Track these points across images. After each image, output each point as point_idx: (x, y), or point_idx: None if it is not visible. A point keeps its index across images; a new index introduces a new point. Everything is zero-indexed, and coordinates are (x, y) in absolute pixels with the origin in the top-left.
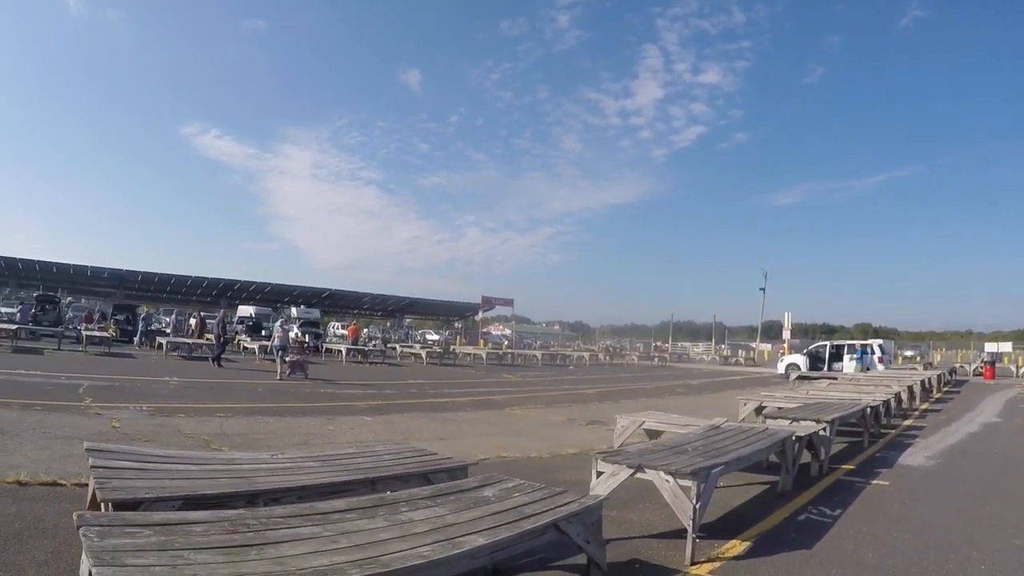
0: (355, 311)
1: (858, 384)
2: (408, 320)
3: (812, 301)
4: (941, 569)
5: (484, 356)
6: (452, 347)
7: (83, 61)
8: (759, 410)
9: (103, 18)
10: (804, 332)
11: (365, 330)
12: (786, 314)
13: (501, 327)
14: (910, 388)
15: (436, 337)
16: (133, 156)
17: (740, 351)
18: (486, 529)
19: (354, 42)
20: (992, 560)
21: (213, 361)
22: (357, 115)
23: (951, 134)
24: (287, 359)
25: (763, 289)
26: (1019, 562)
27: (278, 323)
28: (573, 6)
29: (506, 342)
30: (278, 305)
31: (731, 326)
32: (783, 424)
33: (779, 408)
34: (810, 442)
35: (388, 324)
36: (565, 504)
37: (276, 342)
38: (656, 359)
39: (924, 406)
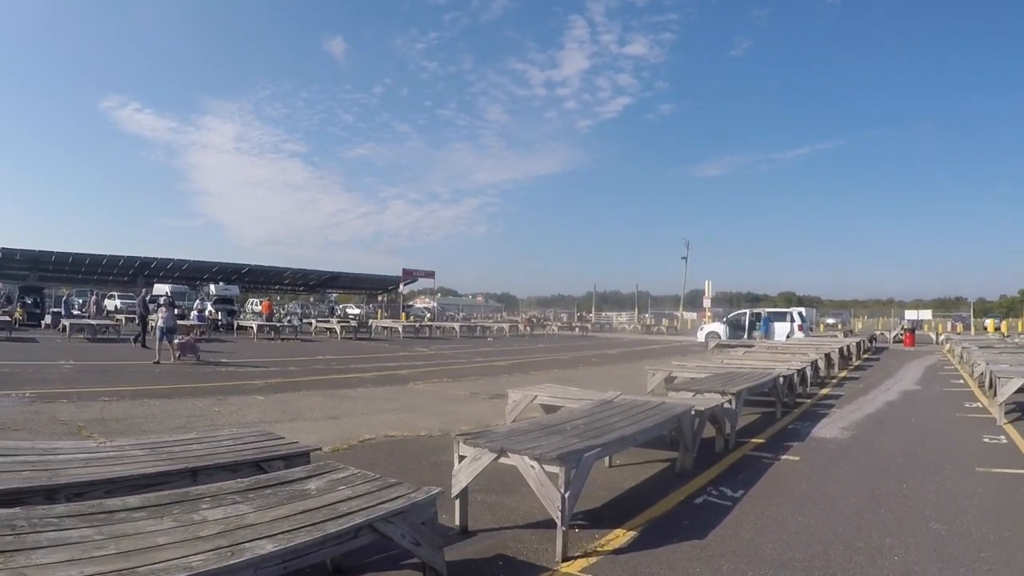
0: (276, 287)
1: (774, 352)
2: (334, 295)
3: (737, 271)
4: (849, 562)
5: (401, 329)
6: (371, 321)
7: None
8: (669, 380)
9: None
10: (729, 301)
11: (287, 306)
12: (707, 282)
13: (426, 300)
14: (827, 356)
15: (357, 311)
16: (49, 133)
17: (663, 320)
18: (284, 532)
19: (276, 8)
20: (907, 549)
21: (135, 342)
22: (280, 86)
23: (874, 108)
24: (176, 341)
25: (685, 258)
26: (938, 551)
27: (160, 303)
28: None
29: (428, 315)
30: (197, 283)
31: (657, 295)
32: (685, 397)
33: (691, 379)
34: (714, 416)
35: (312, 299)
36: (389, 500)
37: (160, 323)
38: (578, 329)
39: (843, 374)
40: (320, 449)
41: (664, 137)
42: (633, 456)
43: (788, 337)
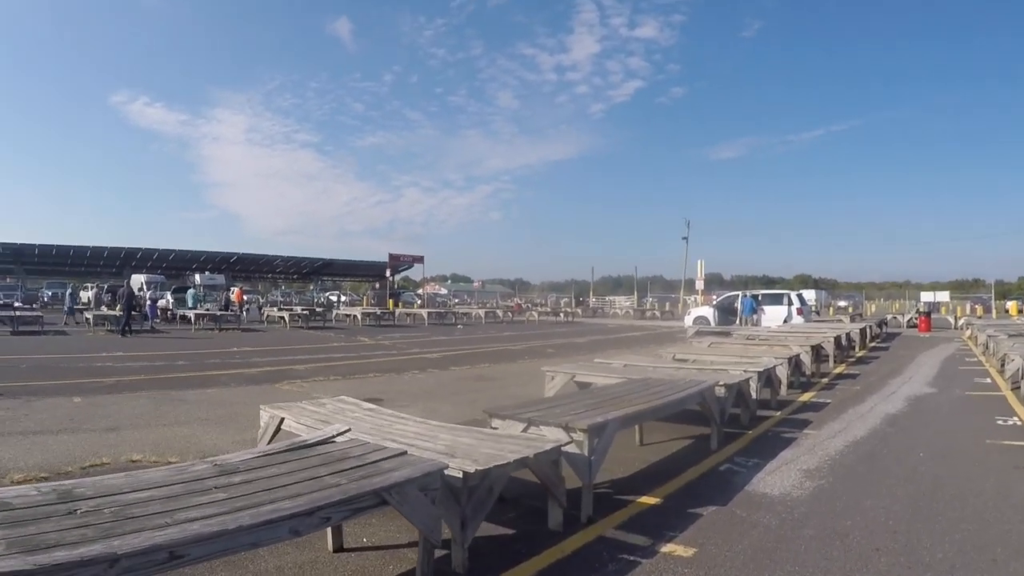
0: (268, 275)
1: (748, 344)
2: (332, 283)
3: (753, 254)
4: None
5: (360, 317)
6: (334, 310)
7: None
8: (584, 386)
9: None
10: (744, 284)
11: (269, 294)
12: (699, 262)
13: (436, 286)
14: (816, 348)
15: (344, 298)
16: (64, 128)
17: (666, 304)
18: None
19: None
20: None
21: (121, 332)
22: (289, 76)
23: (889, 89)
24: None
25: (686, 238)
26: None
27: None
28: None
29: (418, 301)
30: (186, 272)
31: (671, 279)
32: (513, 432)
33: (600, 385)
34: (545, 468)
35: (311, 288)
36: None
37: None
38: (561, 315)
39: (839, 369)
40: None
41: (677, 120)
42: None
43: (785, 322)
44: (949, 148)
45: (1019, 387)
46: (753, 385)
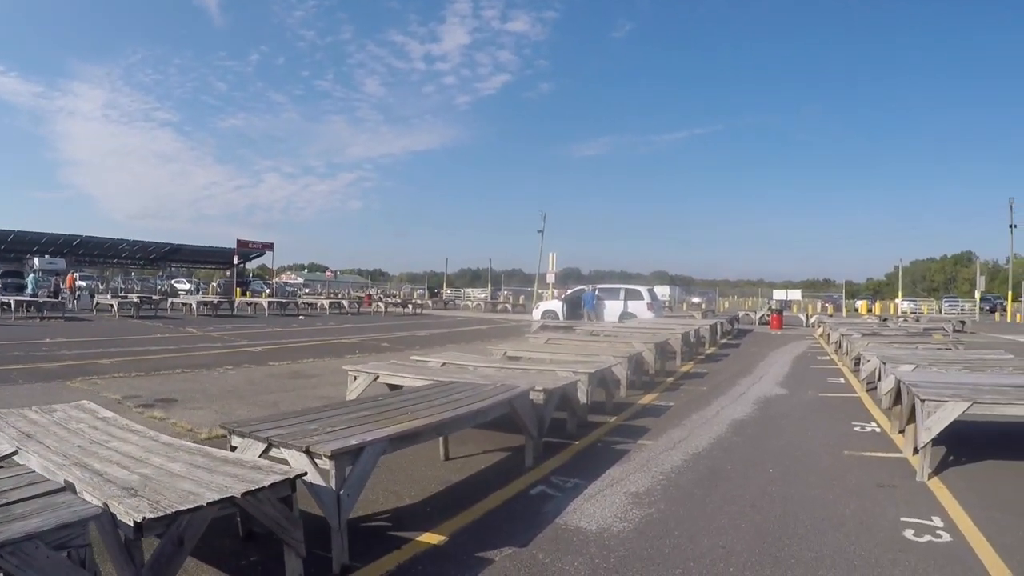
0: (114, 260)
1: (588, 341)
2: (186, 270)
3: (614, 251)
4: None
5: (195, 306)
6: (169, 298)
7: None
8: (395, 388)
9: None
10: (602, 278)
11: (113, 280)
12: (551, 255)
13: (292, 275)
14: (663, 345)
15: (188, 287)
16: None
17: (519, 297)
18: None
19: None
20: None
21: None
22: (152, 50)
23: (751, 97)
24: None
25: (541, 231)
26: None
27: None
28: None
29: (267, 290)
30: (26, 256)
31: (529, 273)
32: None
33: (406, 388)
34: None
35: (161, 274)
36: None
37: None
38: (410, 307)
39: (686, 368)
40: None
41: (543, 116)
42: None
43: (624, 317)
44: (806, 155)
45: (875, 388)
46: (582, 388)
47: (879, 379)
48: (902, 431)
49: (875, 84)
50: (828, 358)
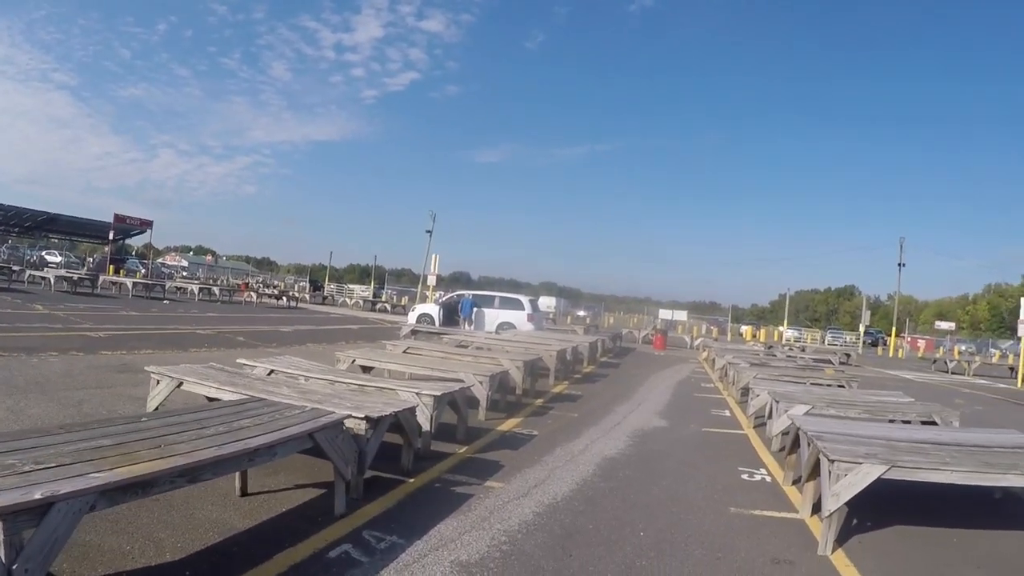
0: None
1: (451, 355)
2: (69, 242)
3: (507, 259)
4: None
5: (52, 281)
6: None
7: None
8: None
9: None
10: (491, 284)
11: None
12: (434, 256)
13: (177, 257)
14: (533, 362)
15: (59, 259)
16: None
17: (397, 297)
18: None
19: None
20: None
21: None
22: (56, 7)
23: (655, 120)
24: None
25: (430, 232)
26: None
27: None
28: None
29: (142, 271)
30: None
31: (419, 274)
32: None
33: (210, 399)
34: None
35: (35, 244)
36: None
37: None
38: (284, 299)
39: (559, 388)
40: None
41: (447, 118)
42: None
43: (513, 328)
44: (701, 180)
45: (763, 425)
46: (425, 414)
47: (769, 416)
48: (796, 482)
49: (774, 117)
50: (712, 385)
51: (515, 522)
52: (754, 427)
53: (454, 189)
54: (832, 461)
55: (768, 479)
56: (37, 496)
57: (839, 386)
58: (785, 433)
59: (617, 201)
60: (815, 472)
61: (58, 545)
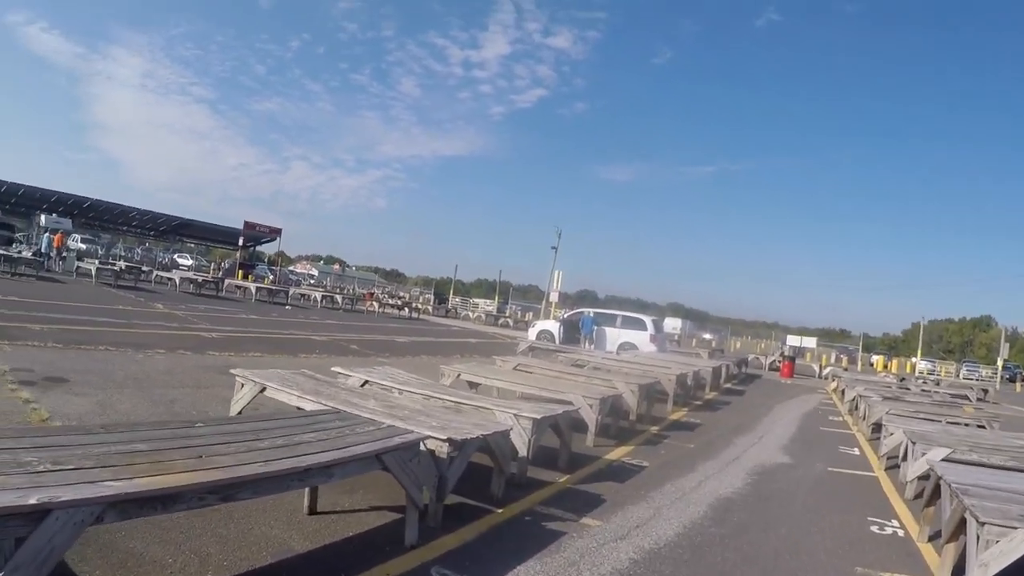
0: (122, 227)
1: (564, 374)
2: (204, 247)
3: (634, 277)
4: None
5: (178, 282)
6: (156, 271)
7: None
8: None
9: None
10: (617, 304)
11: (116, 246)
12: (557, 273)
13: (307, 265)
14: (650, 386)
15: (190, 262)
16: None
17: (520, 312)
18: None
19: None
20: None
21: None
22: (194, 24)
23: (786, 137)
24: None
25: (555, 248)
26: None
27: None
28: None
29: (270, 277)
30: (36, 213)
31: (545, 291)
32: None
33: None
34: None
35: (169, 247)
36: None
37: None
38: (406, 310)
39: (677, 415)
40: None
41: (575, 134)
42: None
43: (635, 349)
44: (833, 202)
45: (896, 467)
46: (523, 438)
47: (903, 458)
48: (933, 539)
49: (907, 139)
50: (841, 419)
51: (607, 569)
52: (886, 469)
53: (581, 206)
54: (982, 524)
55: (900, 533)
56: (32, 501)
57: (979, 426)
58: (921, 478)
59: (746, 222)
60: (958, 532)
61: (54, 556)
